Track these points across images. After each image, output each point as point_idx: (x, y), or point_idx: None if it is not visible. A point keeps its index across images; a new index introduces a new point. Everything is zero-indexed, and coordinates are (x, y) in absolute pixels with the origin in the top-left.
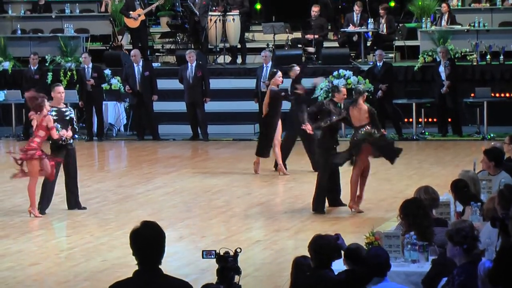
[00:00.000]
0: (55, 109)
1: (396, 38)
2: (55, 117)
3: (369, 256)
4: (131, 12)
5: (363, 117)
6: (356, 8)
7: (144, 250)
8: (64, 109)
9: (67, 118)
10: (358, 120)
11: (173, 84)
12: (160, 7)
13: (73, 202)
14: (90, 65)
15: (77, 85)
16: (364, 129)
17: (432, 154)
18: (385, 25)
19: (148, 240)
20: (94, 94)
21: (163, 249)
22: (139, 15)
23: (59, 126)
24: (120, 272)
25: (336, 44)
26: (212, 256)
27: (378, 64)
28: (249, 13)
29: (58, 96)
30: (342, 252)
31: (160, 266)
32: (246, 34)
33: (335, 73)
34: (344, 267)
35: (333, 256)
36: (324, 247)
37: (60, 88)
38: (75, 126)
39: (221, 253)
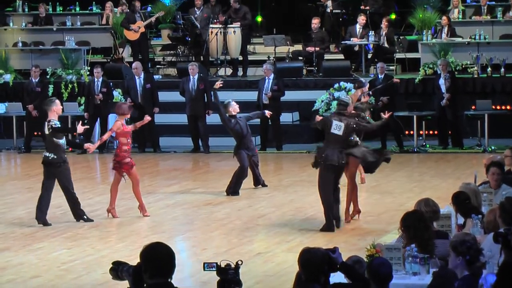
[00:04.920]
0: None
1: (397, 50)
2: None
3: (373, 265)
4: (131, 25)
5: None
6: (361, 20)
7: (157, 263)
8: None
9: None
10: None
11: (174, 96)
12: (160, 19)
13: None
14: (101, 79)
15: (79, 97)
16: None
17: (433, 167)
18: (385, 37)
19: (161, 253)
20: (102, 108)
21: (174, 263)
22: (139, 27)
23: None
24: (120, 285)
25: (337, 56)
26: (213, 269)
27: (379, 76)
28: (250, 26)
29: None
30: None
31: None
32: (247, 46)
33: (336, 85)
34: (345, 280)
35: (321, 269)
36: (311, 260)
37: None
38: None
39: (222, 266)
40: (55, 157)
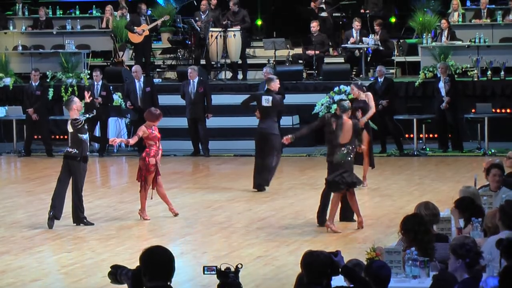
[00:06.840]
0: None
1: (397, 53)
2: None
3: (373, 268)
4: (135, 27)
5: (346, 135)
6: (356, 24)
7: (157, 266)
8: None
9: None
10: (341, 138)
11: (174, 100)
12: (164, 23)
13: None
14: (100, 82)
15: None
16: (345, 149)
17: (433, 170)
18: (380, 40)
19: (161, 256)
20: (101, 111)
21: (174, 266)
22: (144, 30)
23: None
24: None
25: (336, 60)
26: (213, 272)
27: (379, 80)
28: (250, 29)
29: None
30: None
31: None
32: (247, 50)
33: (336, 88)
34: (345, 284)
35: (324, 272)
36: (314, 263)
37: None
38: None
39: (222, 269)
40: (77, 151)
